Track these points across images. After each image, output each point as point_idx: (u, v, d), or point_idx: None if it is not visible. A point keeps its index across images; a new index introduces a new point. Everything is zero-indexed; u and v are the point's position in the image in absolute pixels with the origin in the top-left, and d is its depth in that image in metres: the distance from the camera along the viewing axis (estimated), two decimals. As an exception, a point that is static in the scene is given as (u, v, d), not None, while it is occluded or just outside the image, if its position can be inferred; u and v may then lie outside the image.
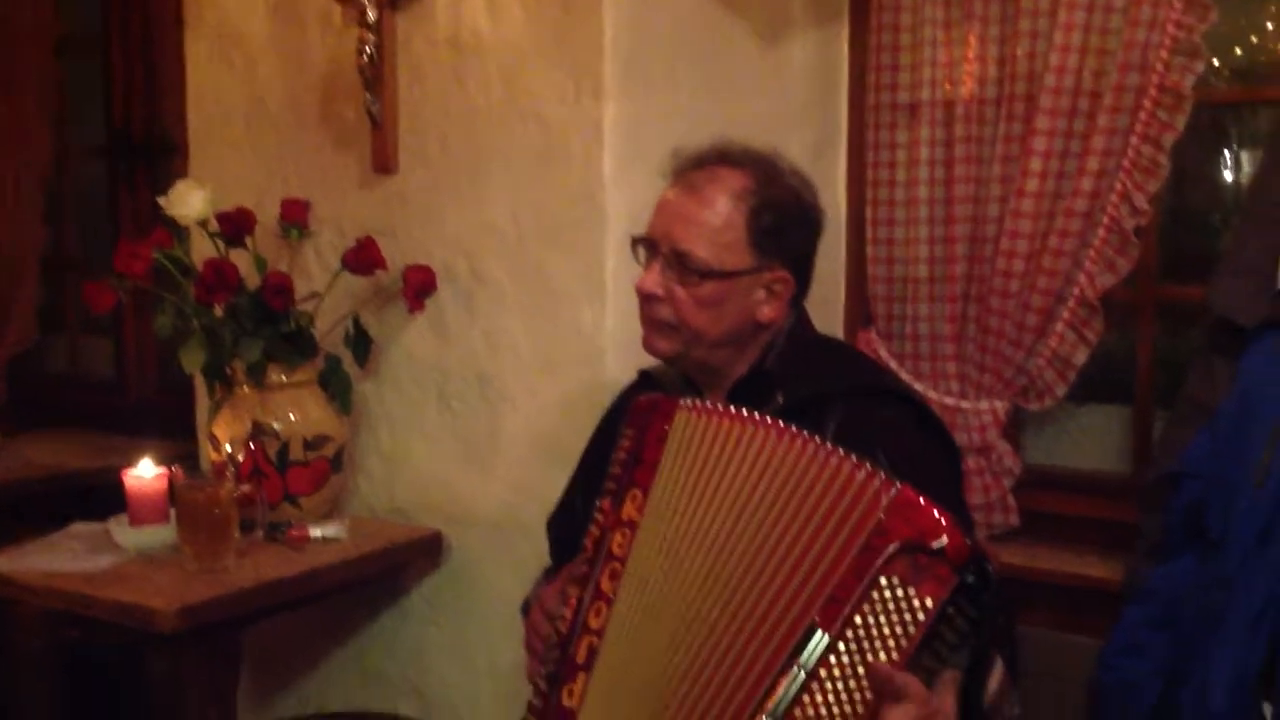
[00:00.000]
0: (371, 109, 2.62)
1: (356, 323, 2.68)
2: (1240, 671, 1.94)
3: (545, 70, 2.47)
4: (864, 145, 2.85)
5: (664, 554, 1.58)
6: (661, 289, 1.83)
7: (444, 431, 2.68)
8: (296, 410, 2.58)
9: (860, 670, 1.40)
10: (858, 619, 1.40)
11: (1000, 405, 2.67)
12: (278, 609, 2.50)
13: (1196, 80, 2.45)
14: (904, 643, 1.38)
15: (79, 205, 4.10)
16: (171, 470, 2.39)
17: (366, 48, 2.58)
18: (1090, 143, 2.50)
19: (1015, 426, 2.77)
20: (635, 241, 1.89)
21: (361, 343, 2.68)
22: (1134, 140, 2.49)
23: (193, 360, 2.56)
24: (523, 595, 2.02)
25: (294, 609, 2.61)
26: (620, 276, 2.37)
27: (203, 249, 2.64)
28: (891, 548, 1.40)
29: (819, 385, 1.81)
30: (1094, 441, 2.83)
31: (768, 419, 1.57)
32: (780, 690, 1.42)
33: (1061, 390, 2.62)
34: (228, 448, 2.55)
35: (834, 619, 1.41)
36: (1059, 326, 2.58)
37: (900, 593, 1.39)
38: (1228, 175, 2.83)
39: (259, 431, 2.54)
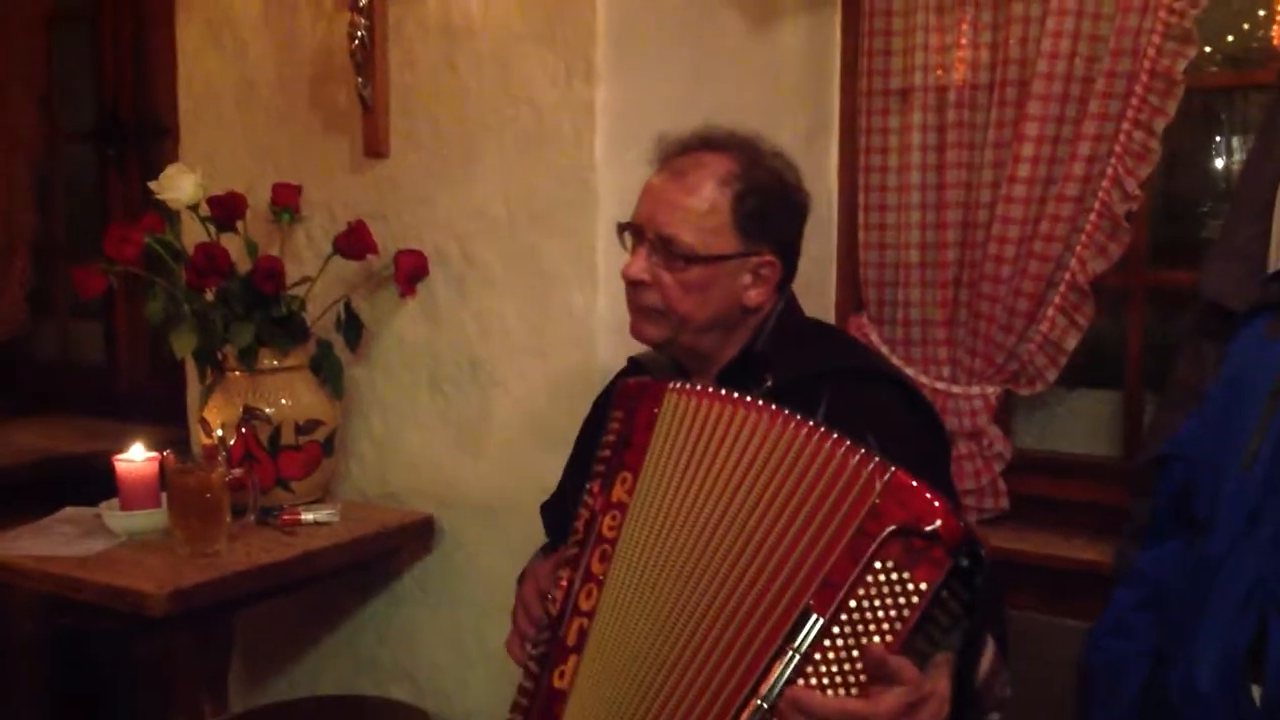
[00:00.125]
0: (363, 93, 2.61)
1: (348, 307, 2.68)
2: (1228, 653, 1.95)
3: (537, 54, 2.47)
4: (856, 131, 2.85)
5: (654, 536, 1.58)
6: (648, 275, 1.83)
7: (435, 415, 2.68)
8: (288, 394, 2.58)
9: (855, 654, 1.40)
10: (852, 602, 1.41)
11: (991, 390, 2.68)
12: (269, 593, 2.50)
13: (1188, 66, 2.46)
14: (898, 626, 1.39)
15: (69, 190, 4.09)
16: (163, 455, 2.39)
17: (358, 31, 2.57)
18: (1082, 128, 2.51)
19: (1006, 411, 2.78)
20: (622, 228, 1.90)
21: (353, 327, 2.68)
22: (1125, 126, 2.49)
23: (184, 345, 2.56)
24: (514, 578, 2.02)
25: (285, 593, 2.61)
26: (611, 260, 2.37)
27: (193, 233, 2.63)
28: (886, 531, 1.41)
29: (808, 367, 1.81)
30: (1084, 426, 2.84)
31: (758, 401, 1.58)
32: (774, 674, 1.42)
33: (1052, 375, 2.63)
34: (219, 432, 2.54)
35: (829, 602, 1.42)
36: (1050, 311, 2.59)
37: (895, 576, 1.40)
38: (1219, 161, 2.83)
39: (250, 416, 2.54)
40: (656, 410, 1.66)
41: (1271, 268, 2.25)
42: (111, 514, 2.45)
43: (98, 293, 2.54)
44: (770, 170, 1.86)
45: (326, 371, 2.67)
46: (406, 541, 2.69)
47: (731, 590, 1.49)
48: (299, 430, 2.58)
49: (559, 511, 2.00)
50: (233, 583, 2.28)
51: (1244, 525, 1.97)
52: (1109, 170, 2.51)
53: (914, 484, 1.42)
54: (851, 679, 1.40)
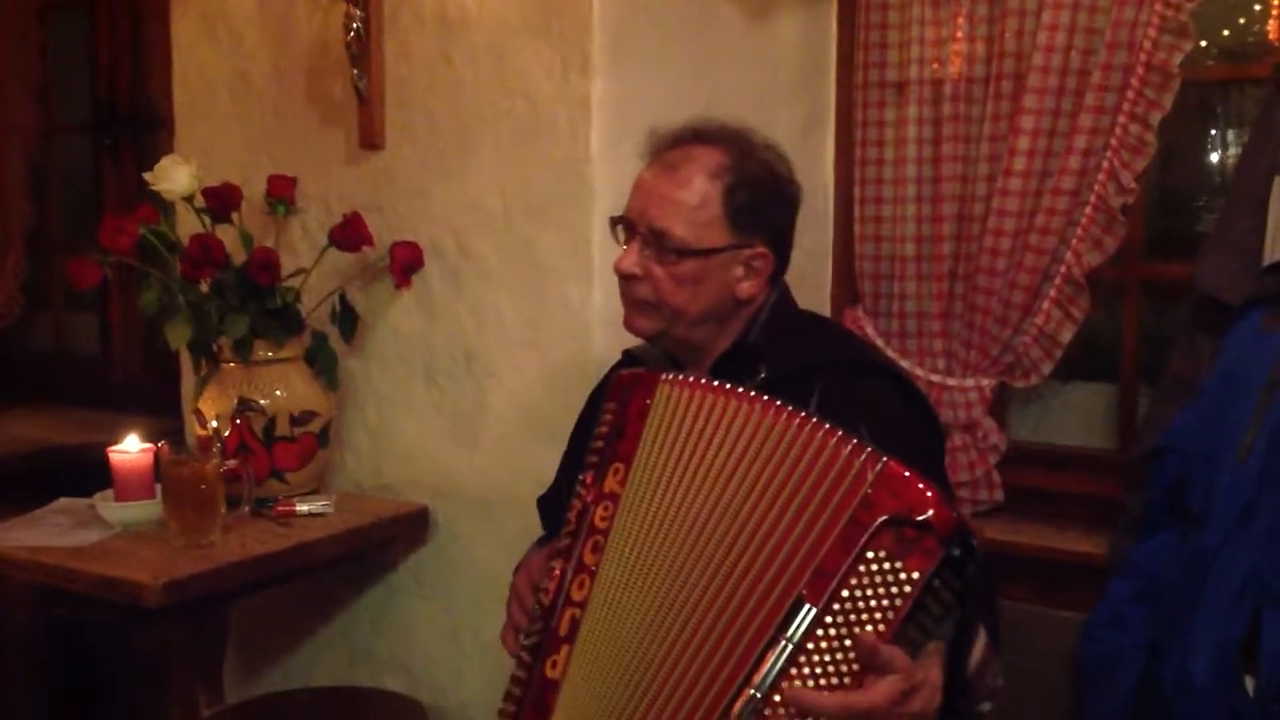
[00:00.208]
0: (358, 85, 2.61)
1: (343, 299, 2.68)
2: (1222, 645, 1.95)
3: (533, 46, 2.46)
4: (852, 124, 2.85)
5: (647, 526, 1.59)
6: (640, 268, 1.83)
7: (431, 407, 2.68)
8: (283, 386, 2.58)
9: (848, 643, 1.41)
10: (845, 592, 1.41)
11: (986, 382, 2.68)
12: (264, 584, 2.50)
13: (1184, 59, 2.46)
14: (890, 615, 1.39)
15: (64, 181, 4.09)
16: (158, 446, 2.38)
17: (353, 23, 2.57)
18: (1078, 121, 2.51)
19: (1001, 403, 2.78)
20: (614, 221, 1.90)
21: (348, 319, 2.68)
22: (1121, 119, 2.49)
23: (178, 336, 2.56)
24: (509, 570, 2.02)
25: (280, 584, 2.61)
26: (607, 253, 2.36)
27: (188, 224, 2.63)
28: (878, 521, 1.41)
29: (801, 359, 1.81)
30: (1079, 418, 2.84)
31: (750, 392, 1.58)
32: (767, 663, 1.43)
33: (1047, 367, 2.64)
34: (214, 423, 2.54)
35: (821, 592, 1.42)
36: (1045, 304, 2.59)
37: (887, 566, 1.40)
38: (1214, 155, 2.84)
39: (245, 407, 2.54)
40: (649, 401, 1.66)
41: (1266, 261, 2.25)
42: (106, 505, 2.45)
43: (93, 284, 2.53)
44: (761, 162, 1.86)
45: (321, 363, 2.67)
46: (401, 533, 2.69)
47: (724, 580, 1.49)
48: (294, 422, 2.58)
49: (555, 505, 2.01)
50: (227, 574, 2.28)
51: (1238, 518, 1.98)
52: (1104, 163, 2.51)
53: (906, 474, 1.43)
54: (844, 668, 1.40)
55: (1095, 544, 2.50)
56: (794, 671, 1.42)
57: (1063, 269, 2.57)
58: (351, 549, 2.57)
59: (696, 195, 1.80)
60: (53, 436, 3.51)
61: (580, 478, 1.70)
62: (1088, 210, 2.53)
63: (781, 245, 1.89)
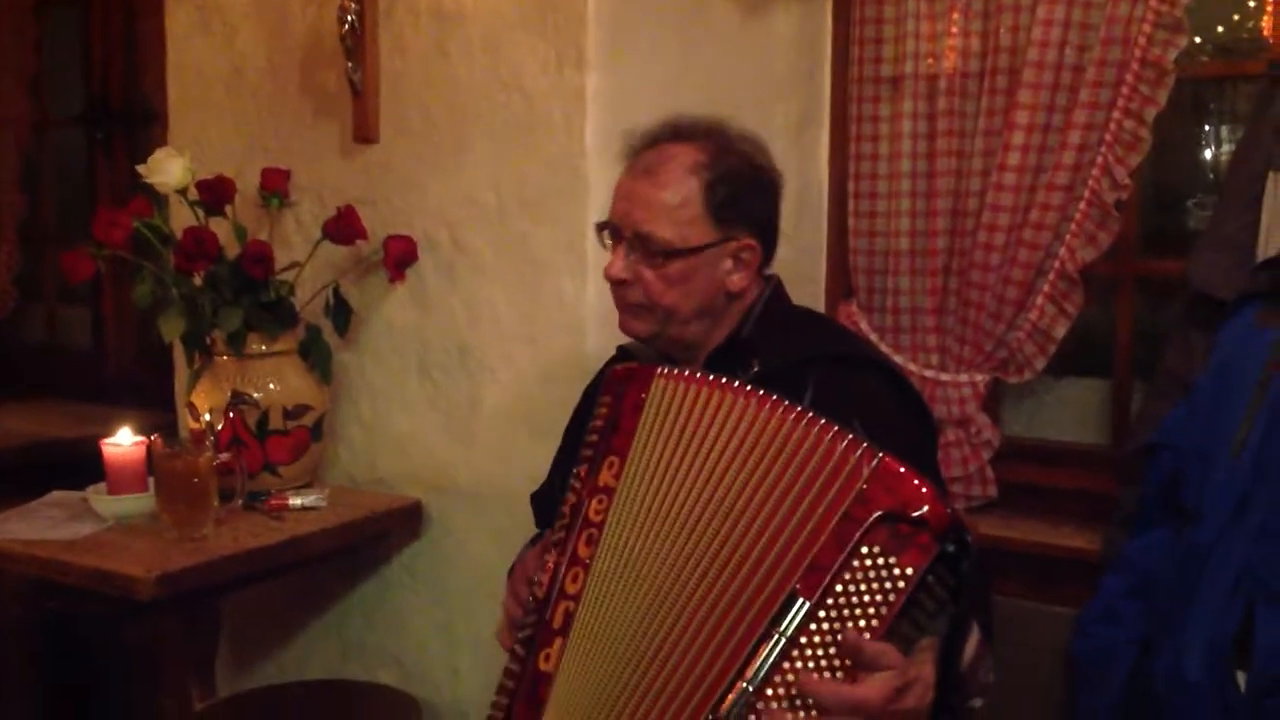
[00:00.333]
0: (353, 78, 2.61)
1: (337, 292, 2.67)
2: (1215, 640, 1.96)
3: (527, 40, 2.46)
4: (846, 118, 2.85)
5: (641, 520, 1.58)
6: (629, 273, 1.83)
7: (424, 401, 2.68)
8: (276, 379, 2.57)
9: (840, 638, 1.40)
10: (839, 587, 1.41)
11: (980, 378, 2.68)
12: (257, 577, 2.50)
13: (1179, 55, 2.46)
14: (884, 611, 1.39)
15: (57, 174, 4.08)
16: (151, 439, 2.38)
17: (348, 16, 2.56)
18: (1072, 116, 2.51)
19: (995, 399, 2.78)
20: (600, 227, 1.90)
21: (342, 312, 2.68)
22: (1116, 114, 2.49)
23: (172, 329, 2.55)
24: (503, 565, 2.02)
25: (273, 578, 2.61)
26: (601, 247, 2.37)
27: (182, 218, 2.63)
28: (873, 517, 1.41)
29: (795, 353, 1.81)
30: (1073, 414, 2.85)
31: (746, 386, 1.58)
32: (760, 657, 1.43)
33: (1041, 363, 2.64)
34: (207, 417, 2.54)
35: (815, 587, 1.42)
36: (1039, 300, 2.59)
37: (881, 561, 1.40)
38: (1208, 151, 2.84)
39: (238, 400, 2.53)
40: (644, 395, 1.66)
41: (1260, 257, 2.26)
42: (99, 498, 2.45)
43: (86, 277, 2.53)
44: (739, 155, 1.85)
45: (315, 356, 2.66)
46: (395, 527, 2.68)
47: (718, 574, 1.49)
48: (287, 415, 2.57)
49: (548, 501, 2.00)
50: (220, 567, 2.28)
51: (1232, 513, 1.98)
52: (1099, 159, 2.51)
53: (901, 470, 1.43)
54: (837, 663, 1.40)
55: (1088, 539, 2.51)
56: (786, 666, 1.42)
57: (1057, 264, 2.57)
58: (345, 543, 2.57)
59: (677, 195, 1.80)
60: (46, 430, 3.50)
61: (575, 471, 1.69)
62: (1082, 206, 2.54)
63: (767, 234, 1.89)
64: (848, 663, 1.39)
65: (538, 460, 2.13)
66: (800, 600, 1.42)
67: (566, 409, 2.08)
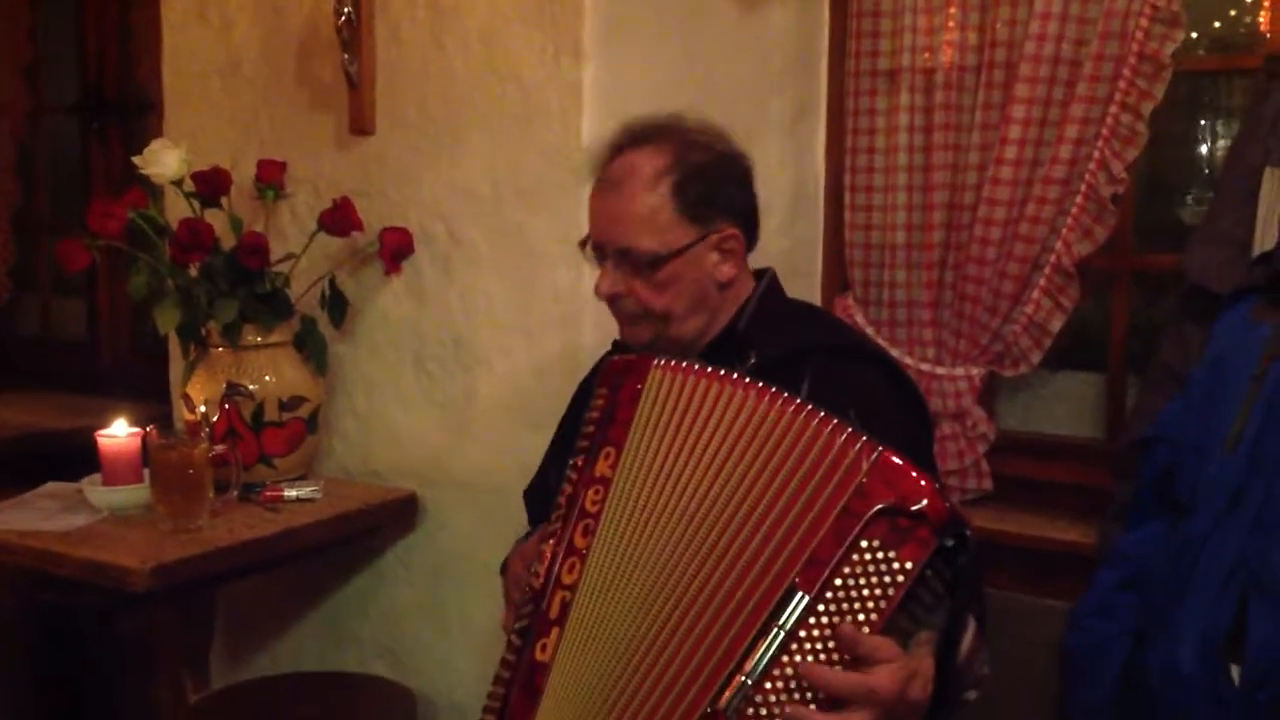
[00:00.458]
0: (349, 69, 2.60)
1: (332, 284, 2.67)
2: (1209, 633, 1.97)
3: (524, 31, 2.46)
4: (843, 112, 2.85)
5: (638, 511, 1.58)
6: (621, 287, 1.84)
7: (420, 393, 2.68)
8: (271, 371, 2.57)
9: None
10: (838, 581, 1.41)
11: (976, 371, 2.68)
12: (251, 569, 2.49)
13: (1175, 50, 2.46)
14: (883, 605, 1.39)
15: (52, 164, 4.07)
16: (146, 430, 2.38)
17: (344, 7, 2.56)
18: (1069, 111, 2.51)
19: (990, 392, 2.79)
20: (583, 243, 1.91)
21: (337, 304, 2.67)
22: (1113, 109, 2.50)
23: (167, 320, 2.55)
24: (497, 557, 2.02)
25: (268, 569, 2.61)
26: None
27: (178, 209, 2.62)
28: (873, 510, 1.41)
29: (792, 344, 1.81)
30: (1068, 408, 2.85)
31: (744, 378, 1.58)
32: (758, 651, 1.42)
33: (1037, 357, 2.64)
34: (202, 408, 2.53)
35: (814, 581, 1.41)
36: (1035, 293, 2.59)
37: (880, 555, 1.40)
38: (1204, 146, 2.84)
39: (234, 392, 2.53)
40: (640, 386, 1.66)
41: (1256, 252, 2.26)
42: (94, 489, 2.45)
43: (81, 267, 2.52)
44: (702, 148, 1.85)
45: (310, 348, 2.66)
46: (389, 519, 2.68)
47: (715, 566, 1.48)
48: (282, 407, 2.57)
49: (541, 496, 2.00)
50: (215, 558, 2.28)
51: (1226, 507, 1.99)
52: (1095, 153, 2.51)
53: (901, 464, 1.43)
54: (836, 657, 1.40)
55: (1083, 533, 2.51)
56: (785, 660, 1.41)
57: (1053, 258, 2.57)
58: (339, 535, 2.57)
59: (647, 205, 1.80)
60: (40, 421, 3.50)
61: (571, 461, 1.69)
62: (1078, 200, 2.54)
63: (746, 218, 1.89)
64: (847, 657, 1.40)
65: (532, 453, 2.13)
66: (800, 594, 1.42)
67: (562, 401, 2.08)
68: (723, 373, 1.60)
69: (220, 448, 2.42)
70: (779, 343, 1.81)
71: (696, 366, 1.63)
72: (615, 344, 2.00)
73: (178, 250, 2.50)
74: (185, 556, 2.23)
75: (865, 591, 1.39)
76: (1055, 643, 2.37)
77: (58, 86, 3.99)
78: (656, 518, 1.56)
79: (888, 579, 1.39)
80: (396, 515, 2.68)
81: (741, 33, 2.72)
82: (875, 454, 1.43)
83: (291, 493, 2.55)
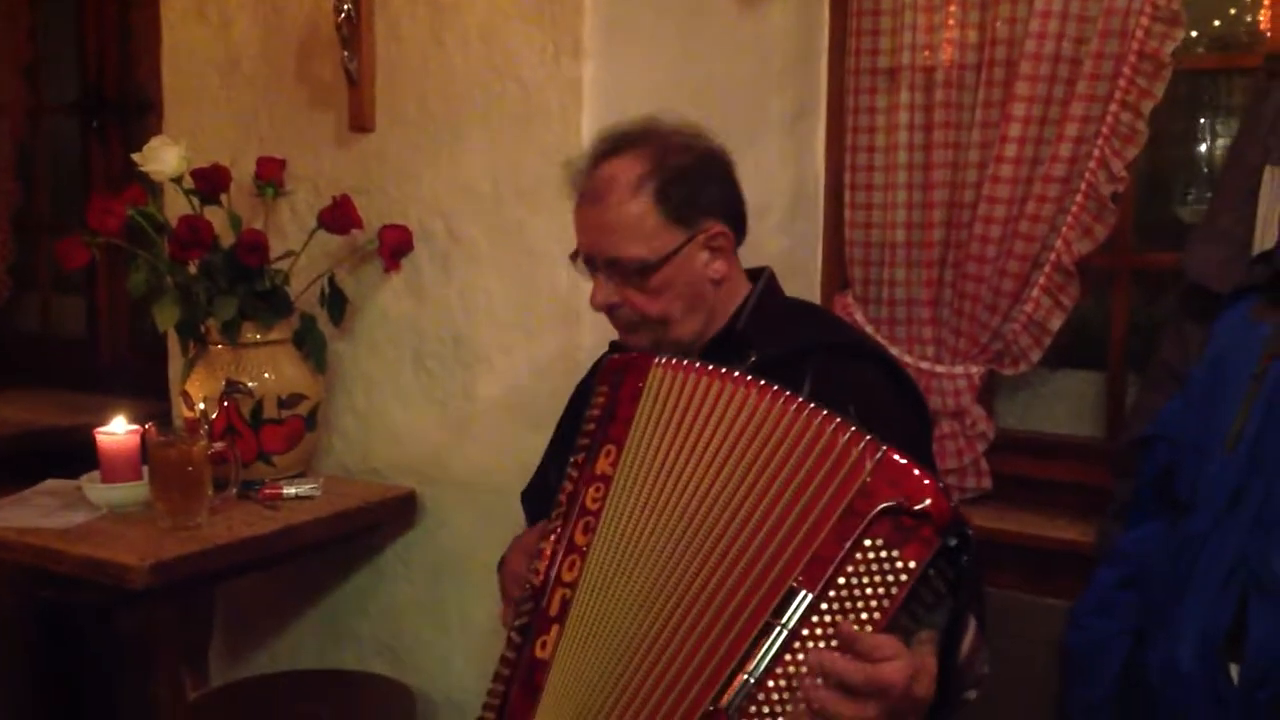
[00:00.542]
0: (349, 67, 2.60)
1: (332, 282, 2.67)
2: (1208, 632, 1.97)
3: (524, 29, 2.46)
4: (843, 110, 2.85)
5: (638, 509, 1.58)
6: (616, 297, 1.84)
7: (419, 391, 2.68)
8: (271, 368, 2.57)
9: None
10: (841, 579, 1.40)
11: (975, 370, 2.68)
12: (250, 567, 2.50)
13: (1175, 48, 2.46)
14: (886, 604, 1.38)
15: (51, 162, 4.07)
16: (145, 428, 2.38)
17: (344, 5, 2.56)
18: (1069, 109, 2.51)
19: (990, 391, 2.79)
20: (574, 256, 1.91)
21: (336, 302, 2.67)
22: (1113, 107, 2.50)
23: (166, 317, 2.55)
24: (496, 555, 2.02)
25: (267, 567, 2.61)
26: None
27: (177, 206, 2.62)
28: (876, 510, 1.41)
29: (792, 343, 1.81)
30: (1068, 406, 2.85)
31: (746, 376, 1.57)
32: (761, 649, 1.42)
33: (1036, 355, 2.64)
34: (201, 405, 2.53)
35: (817, 579, 1.41)
36: (1035, 292, 2.59)
37: (884, 554, 1.39)
38: (1204, 144, 2.84)
39: (233, 389, 2.53)
40: (641, 384, 1.66)
41: (1256, 250, 2.26)
42: (92, 486, 2.44)
43: (80, 264, 2.52)
44: (681, 149, 1.84)
45: (310, 346, 2.66)
46: (388, 516, 2.68)
47: (717, 564, 1.48)
48: (281, 404, 2.57)
49: (539, 496, 2.00)
50: (214, 556, 2.27)
51: (1226, 505, 1.99)
52: (1095, 152, 2.51)
53: (905, 463, 1.42)
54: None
55: (1083, 532, 2.51)
56: (788, 658, 1.41)
57: (1053, 257, 2.57)
58: (338, 532, 2.57)
59: (631, 214, 1.79)
60: (39, 418, 3.49)
61: (571, 459, 1.69)
62: (1078, 198, 2.54)
63: (733, 214, 1.88)
64: (850, 655, 1.39)
65: (532, 451, 2.13)
66: (803, 593, 1.41)
67: (561, 400, 2.08)
68: (724, 371, 1.59)
69: (219, 445, 2.42)
70: (779, 342, 1.81)
71: (698, 364, 1.63)
72: (613, 344, 2.00)
73: (177, 248, 2.50)
74: (184, 554, 2.23)
75: (868, 590, 1.39)
76: (1055, 641, 2.37)
77: (58, 86, 3.99)
78: (657, 515, 1.56)
79: (891, 578, 1.38)
80: (396, 513, 2.68)
81: (741, 31, 2.72)
82: (879, 453, 1.43)
83: (290, 490, 2.54)
